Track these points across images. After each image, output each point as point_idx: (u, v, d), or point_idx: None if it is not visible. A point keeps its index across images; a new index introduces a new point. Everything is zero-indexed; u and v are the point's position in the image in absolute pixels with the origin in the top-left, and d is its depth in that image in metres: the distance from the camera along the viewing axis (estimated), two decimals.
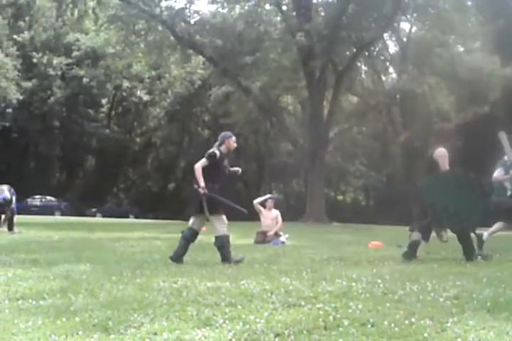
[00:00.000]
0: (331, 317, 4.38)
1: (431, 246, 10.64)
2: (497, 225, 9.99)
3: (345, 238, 14.75)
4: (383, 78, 37.67)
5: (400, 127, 35.44)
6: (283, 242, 12.67)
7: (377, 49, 34.60)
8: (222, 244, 8.17)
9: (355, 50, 30.30)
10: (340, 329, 4.07)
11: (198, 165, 8.07)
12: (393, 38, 36.49)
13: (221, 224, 8.19)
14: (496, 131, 10.09)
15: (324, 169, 30.92)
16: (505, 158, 10.08)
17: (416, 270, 7.17)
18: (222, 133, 8.70)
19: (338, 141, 35.96)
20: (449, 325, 4.16)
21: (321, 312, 4.60)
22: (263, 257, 8.55)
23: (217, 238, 8.19)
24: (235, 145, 8.63)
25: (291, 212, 29.29)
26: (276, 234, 13.08)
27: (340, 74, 29.85)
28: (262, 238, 12.93)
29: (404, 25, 36.49)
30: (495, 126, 37.24)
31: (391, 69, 38.70)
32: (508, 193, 9.82)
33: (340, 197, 44.45)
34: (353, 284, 5.85)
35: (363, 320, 4.29)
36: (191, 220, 8.40)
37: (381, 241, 12.04)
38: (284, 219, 13.51)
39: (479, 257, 8.42)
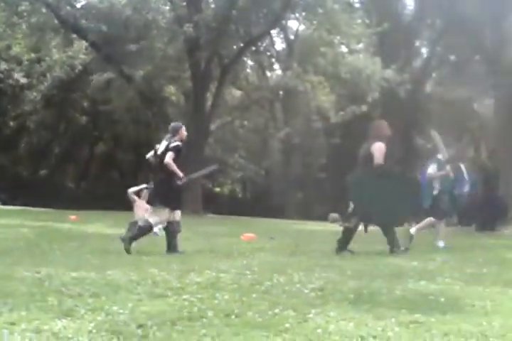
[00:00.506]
0: (195, 308, 4.37)
1: (301, 239, 10.89)
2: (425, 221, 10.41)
3: (220, 230, 14.74)
4: (268, 74, 38.07)
5: (281, 123, 36.01)
6: (156, 233, 12.51)
7: (264, 45, 34.95)
8: (141, 231, 8.36)
9: (242, 44, 30.41)
10: (204, 320, 4.06)
11: (170, 160, 8.27)
12: (281, 35, 36.99)
13: (161, 217, 8.47)
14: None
15: (203, 161, 30.87)
16: (439, 156, 10.48)
17: (285, 262, 7.28)
18: (173, 124, 8.97)
19: (220, 133, 36.02)
20: (311, 315, 4.23)
21: (186, 303, 4.58)
22: (134, 248, 8.39)
23: (145, 221, 8.47)
24: (186, 133, 8.86)
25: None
26: None
27: (225, 67, 29.84)
28: None
29: (292, 23, 37.14)
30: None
31: (276, 66, 39.18)
32: (435, 192, 10.22)
33: (217, 189, 44.51)
34: (222, 275, 5.86)
35: (228, 310, 4.31)
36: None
37: (254, 233, 12.12)
38: None
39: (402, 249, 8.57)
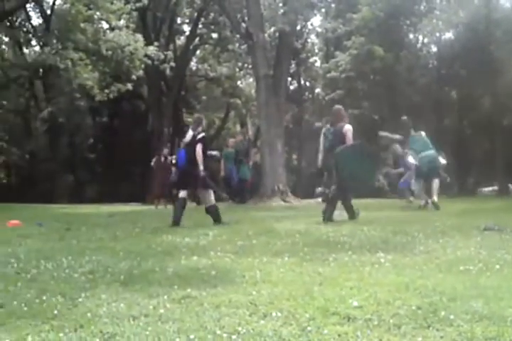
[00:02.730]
0: None
1: (72, 223, 10.55)
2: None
3: None
4: (26, 50, 36.12)
5: (43, 102, 34.45)
6: None
7: (19, 20, 33.10)
8: (215, 210, 9.67)
9: None
10: None
11: (200, 150, 9.39)
12: (37, 10, 35.16)
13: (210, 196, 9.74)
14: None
15: None
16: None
17: (54, 247, 6.99)
18: (198, 116, 10.35)
19: None
20: (81, 300, 4.14)
21: None
22: None
23: (210, 207, 9.65)
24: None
25: None
26: None
27: None
28: None
29: None
30: (139, 103, 38.12)
31: (34, 42, 37.29)
32: None
33: None
34: None
35: None
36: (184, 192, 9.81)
37: (20, 219, 11.43)
38: None
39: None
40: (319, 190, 9.79)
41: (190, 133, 9.65)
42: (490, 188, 34.29)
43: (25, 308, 3.90)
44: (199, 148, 9.39)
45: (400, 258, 5.78)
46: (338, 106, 10.53)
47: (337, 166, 9.67)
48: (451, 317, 3.49)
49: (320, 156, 12.15)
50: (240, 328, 3.36)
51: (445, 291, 4.15)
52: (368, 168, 9.80)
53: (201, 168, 9.40)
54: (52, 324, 3.53)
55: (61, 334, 3.30)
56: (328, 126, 10.28)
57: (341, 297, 4.04)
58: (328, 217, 9.59)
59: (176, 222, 9.45)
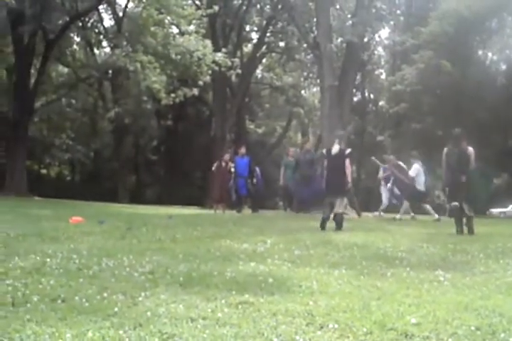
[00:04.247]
0: (19, 293, 4.21)
1: (133, 222, 10.72)
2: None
3: (46, 213, 13.89)
4: (96, 51, 36.89)
5: (111, 103, 35.12)
6: None
7: (91, 20, 33.80)
8: (341, 218, 10.70)
9: (68, 19, 29.19)
10: (29, 305, 3.92)
11: (349, 164, 10.66)
12: (109, 12, 35.88)
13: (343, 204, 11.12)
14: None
15: (28, 140, 29.47)
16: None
17: (115, 246, 7.12)
18: (342, 132, 12.01)
19: (45, 112, 34.57)
20: (140, 299, 4.21)
21: (9, 288, 4.40)
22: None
23: (339, 214, 10.69)
24: None
25: None
26: None
27: (50, 42, 28.56)
28: None
29: (121, 0, 36.12)
30: (203, 108, 38.46)
31: (105, 43, 38.09)
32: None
33: (44, 171, 42.40)
34: (48, 260, 5.64)
35: (54, 295, 4.19)
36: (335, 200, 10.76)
37: (83, 216, 11.65)
38: None
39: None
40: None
41: (336, 147, 10.68)
42: (501, 209, 33.35)
43: (86, 304, 3.98)
44: (348, 162, 10.61)
45: (460, 277, 5.68)
46: (459, 129, 11.27)
47: (468, 183, 10.64)
48: (511, 339, 3.43)
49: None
50: (297, 337, 3.37)
51: (505, 313, 4.07)
52: (489, 185, 11.46)
53: (349, 179, 10.67)
54: (113, 321, 3.60)
55: (121, 332, 3.36)
56: (451, 146, 10.96)
57: (399, 313, 4.00)
58: (461, 230, 10.59)
59: None
